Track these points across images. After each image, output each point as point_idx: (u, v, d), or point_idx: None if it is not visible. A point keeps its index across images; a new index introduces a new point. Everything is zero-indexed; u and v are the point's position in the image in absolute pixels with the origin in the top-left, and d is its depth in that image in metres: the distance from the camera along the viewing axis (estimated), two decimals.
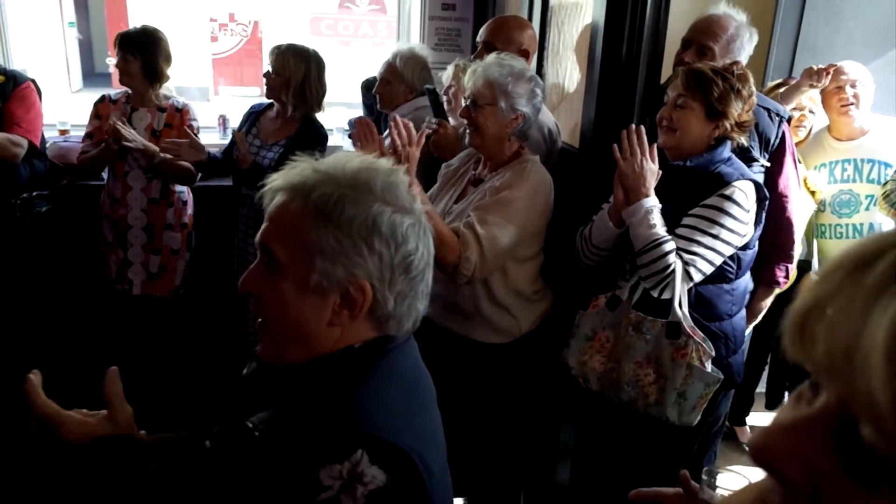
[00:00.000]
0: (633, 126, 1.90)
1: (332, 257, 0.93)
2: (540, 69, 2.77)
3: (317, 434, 0.88)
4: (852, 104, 2.68)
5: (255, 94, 4.66)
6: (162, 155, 2.80)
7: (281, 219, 0.96)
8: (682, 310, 1.85)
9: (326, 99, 2.93)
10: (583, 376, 2.02)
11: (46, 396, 1.03)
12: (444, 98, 2.60)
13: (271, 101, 2.95)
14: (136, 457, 0.97)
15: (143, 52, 2.79)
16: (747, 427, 3.25)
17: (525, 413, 2.28)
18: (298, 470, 0.86)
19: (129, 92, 2.91)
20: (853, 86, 2.67)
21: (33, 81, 2.90)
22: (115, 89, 3.08)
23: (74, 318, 3.29)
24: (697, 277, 1.86)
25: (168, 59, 2.86)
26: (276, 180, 0.98)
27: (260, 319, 1.00)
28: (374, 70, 3.08)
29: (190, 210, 3.05)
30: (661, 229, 1.85)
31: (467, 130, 2.10)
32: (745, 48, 2.23)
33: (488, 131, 2.04)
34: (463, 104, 2.09)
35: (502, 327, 2.13)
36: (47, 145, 3.06)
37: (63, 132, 3.42)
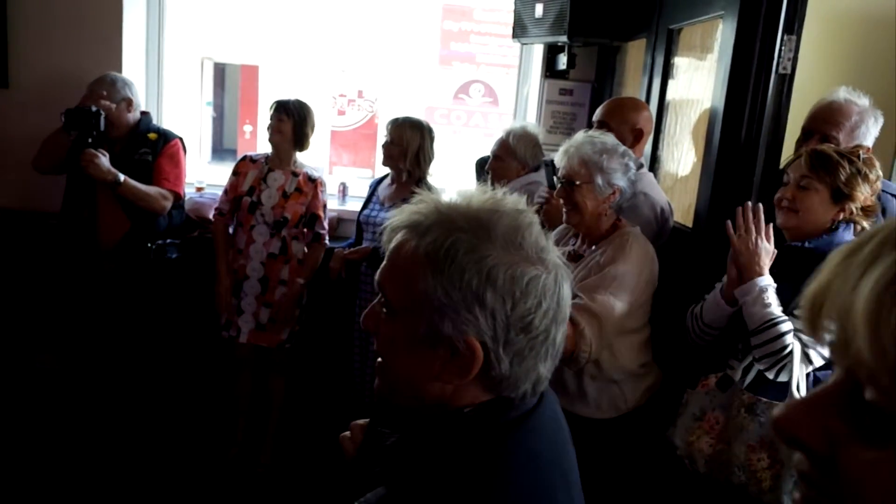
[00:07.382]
0: (749, 204, 1.88)
1: (440, 310, 0.83)
2: (655, 152, 2.81)
3: None
4: None
5: (367, 176, 4.96)
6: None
7: (395, 260, 0.89)
8: (800, 393, 1.78)
9: (437, 180, 3.14)
10: (689, 457, 1.94)
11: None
12: None
13: (387, 173, 3.19)
14: None
15: (297, 116, 3.05)
16: None
17: (628, 493, 2.19)
18: None
19: (269, 154, 3.14)
20: None
21: (180, 139, 3.20)
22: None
23: (184, 360, 3.47)
24: (818, 361, 1.79)
25: (313, 128, 3.14)
26: (396, 217, 0.91)
27: (379, 359, 0.93)
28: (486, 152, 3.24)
29: None
30: (776, 309, 1.80)
31: (564, 209, 2.10)
32: (870, 132, 2.16)
33: (587, 209, 2.04)
34: (557, 185, 2.10)
35: (608, 403, 2.09)
36: (185, 199, 3.32)
37: (199, 189, 3.72)
